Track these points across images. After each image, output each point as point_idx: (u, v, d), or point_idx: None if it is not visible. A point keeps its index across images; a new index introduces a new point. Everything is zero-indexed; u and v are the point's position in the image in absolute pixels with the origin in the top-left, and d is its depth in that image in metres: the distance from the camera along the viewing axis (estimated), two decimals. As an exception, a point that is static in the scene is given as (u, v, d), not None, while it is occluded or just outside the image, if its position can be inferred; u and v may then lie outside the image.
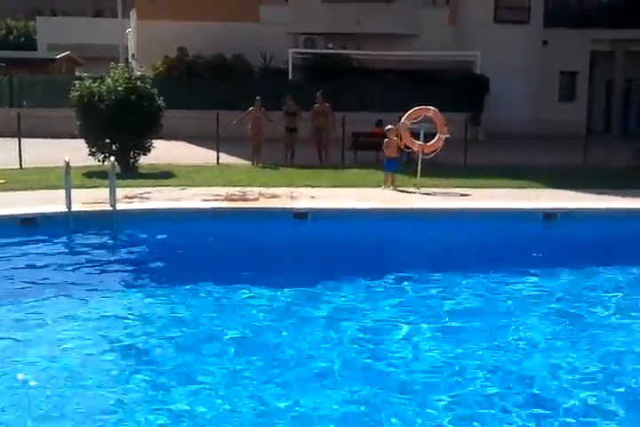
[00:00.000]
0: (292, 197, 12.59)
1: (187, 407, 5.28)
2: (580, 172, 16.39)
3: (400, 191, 13.61)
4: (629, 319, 7.37)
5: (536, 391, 5.65)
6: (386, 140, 14.41)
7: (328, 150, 18.01)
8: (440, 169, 15.23)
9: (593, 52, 27.62)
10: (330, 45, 26.65)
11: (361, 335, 6.71)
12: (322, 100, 18.16)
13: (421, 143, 14.29)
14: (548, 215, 11.39)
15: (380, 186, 14.01)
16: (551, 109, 27.13)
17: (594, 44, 27.29)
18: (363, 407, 5.33)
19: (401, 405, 5.39)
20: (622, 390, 5.69)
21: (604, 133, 26.71)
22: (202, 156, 18.38)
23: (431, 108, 14.45)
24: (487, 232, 10.73)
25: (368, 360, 6.18)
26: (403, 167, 14.53)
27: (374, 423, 5.16)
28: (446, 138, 14.38)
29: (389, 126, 14.64)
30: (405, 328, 6.91)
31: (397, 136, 14.29)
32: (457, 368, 6.01)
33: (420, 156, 14.19)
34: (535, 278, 8.65)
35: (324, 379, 5.78)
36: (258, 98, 17.55)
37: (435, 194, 13.31)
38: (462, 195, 13.21)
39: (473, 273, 8.74)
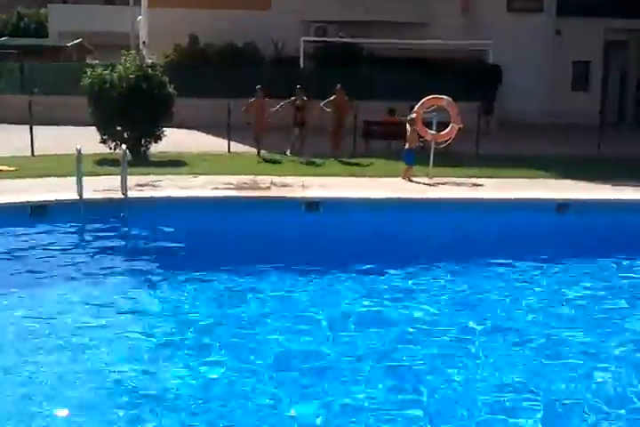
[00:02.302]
0: (303, 187, 12.54)
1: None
2: (593, 162, 16.24)
3: (413, 181, 13.51)
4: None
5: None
6: (408, 128, 14.05)
7: (340, 144, 17.35)
8: (453, 159, 15.13)
9: (607, 41, 27.34)
10: (341, 34, 26.46)
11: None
12: (341, 93, 17.20)
13: (434, 133, 14.18)
14: (561, 206, 11.30)
15: (400, 176, 13.78)
16: (564, 99, 26.88)
17: (607, 33, 27.01)
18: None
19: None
20: None
21: (617, 123, 26.48)
22: (213, 144, 18.31)
23: (445, 97, 14.33)
24: (501, 222, 10.65)
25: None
26: (416, 157, 14.40)
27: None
28: (459, 128, 14.27)
29: (412, 115, 14.19)
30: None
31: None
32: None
33: (433, 145, 14.10)
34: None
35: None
36: (258, 87, 16.80)
37: (447, 184, 13.23)
38: (475, 185, 13.14)
39: (483, 263, 8.69)
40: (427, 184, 13.30)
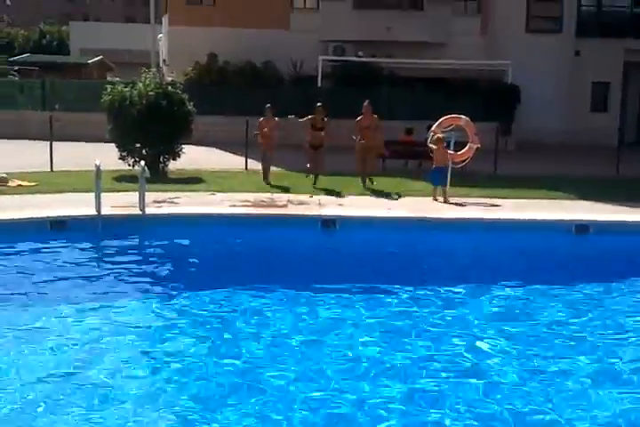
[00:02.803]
0: (320, 204, 12.55)
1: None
2: (612, 183, 16.15)
3: (437, 201, 13.43)
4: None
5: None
6: (434, 147, 13.97)
7: (371, 168, 15.16)
8: (470, 178, 15.09)
9: (626, 62, 27.28)
10: (360, 53, 26.60)
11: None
12: (369, 111, 14.85)
13: (452, 152, 14.16)
14: (581, 227, 11.22)
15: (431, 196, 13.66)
16: (583, 120, 26.80)
17: (627, 54, 26.96)
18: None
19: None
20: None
21: (636, 145, 26.34)
22: (231, 162, 18.39)
23: (462, 116, 14.33)
24: (518, 243, 10.59)
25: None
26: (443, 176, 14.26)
27: None
28: (477, 147, 14.24)
29: (439, 135, 14.07)
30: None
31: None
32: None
33: (450, 165, 14.07)
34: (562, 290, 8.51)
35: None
36: (268, 106, 15.50)
37: (465, 204, 13.19)
38: (493, 205, 13.08)
39: (500, 284, 8.63)
40: (444, 204, 13.28)
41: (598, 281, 8.90)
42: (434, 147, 13.90)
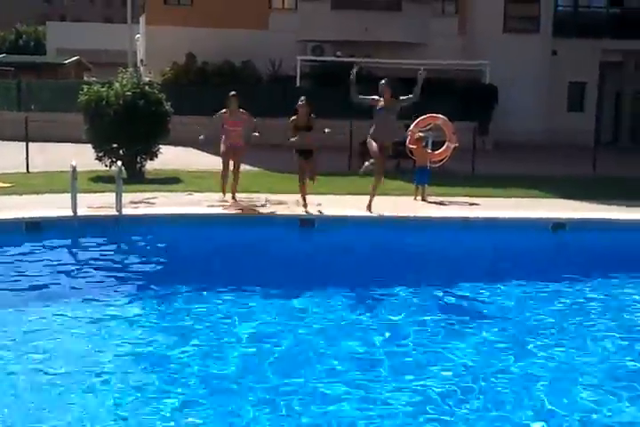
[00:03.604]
0: (298, 204, 12.52)
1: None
2: (589, 182, 16.28)
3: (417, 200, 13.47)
4: None
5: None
6: (413, 147, 14.00)
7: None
8: (448, 178, 15.14)
9: (602, 62, 27.54)
10: (338, 53, 26.64)
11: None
12: (387, 94, 11.56)
13: (430, 151, 14.20)
14: (557, 225, 11.29)
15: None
16: (560, 119, 27.05)
17: (603, 54, 27.22)
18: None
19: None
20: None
21: (612, 143, 26.61)
22: (209, 162, 18.26)
23: (440, 116, 14.38)
24: (496, 241, 10.63)
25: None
26: (410, 176, 14.41)
27: None
28: (454, 147, 14.30)
29: (420, 134, 14.09)
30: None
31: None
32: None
33: (429, 164, 14.10)
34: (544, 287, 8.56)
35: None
36: (232, 94, 12.50)
37: (443, 203, 13.23)
38: (471, 204, 13.14)
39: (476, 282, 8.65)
40: (421, 202, 13.32)
41: (574, 277, 8.95)
42: (413, 147, 13.93)
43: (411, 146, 13.99)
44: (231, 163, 12.64)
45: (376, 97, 11.50)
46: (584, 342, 6.91)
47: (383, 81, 11.62)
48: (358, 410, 5.35)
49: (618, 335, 7.03)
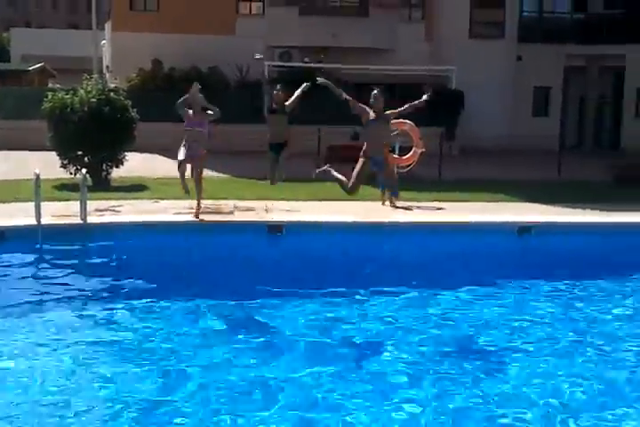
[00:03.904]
0: (267, 210, 12.48)
1: None
2: (554, 186, 16.46)
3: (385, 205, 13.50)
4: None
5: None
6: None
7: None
8: (415, 183, 15.20)
9: (567, 67, 27.89)
10: (306, 59, 26.65)
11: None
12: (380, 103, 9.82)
13: (397, 157, 14.25)
14: (523, 229, 11.38)
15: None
16: (525, 124, 27.32)
17: (568, 59, 27.57)
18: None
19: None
20: None
21: (576, 148, 26.93)
22: (176, 169, 18.17)
23: (407, 121, 14.44)
24: (462, 245, 10.68)
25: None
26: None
27: None
28: (421, 152, 14.38)
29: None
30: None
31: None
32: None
33: (396, 169, 14.14)
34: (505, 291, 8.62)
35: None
36: (194, 83, 11.40)
37: (411, 208, 13.27)
38: (438, 208, 13.21)
39: (446, 287, 8.68)
40: (389, 207, 13.35)
41: (540, 280, 9.04)
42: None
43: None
44: (189, 170, 11.28)
45: (366, 107, 9.67)
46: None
47: (376, 91, 9.79)
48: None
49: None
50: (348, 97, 9.64)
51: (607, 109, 28.91)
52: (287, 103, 10.65)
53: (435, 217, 12.31)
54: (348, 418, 5.34)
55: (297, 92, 10.79)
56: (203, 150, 11.27)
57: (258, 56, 10.90)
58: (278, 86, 11.53)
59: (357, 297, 8.29)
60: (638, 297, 8.65)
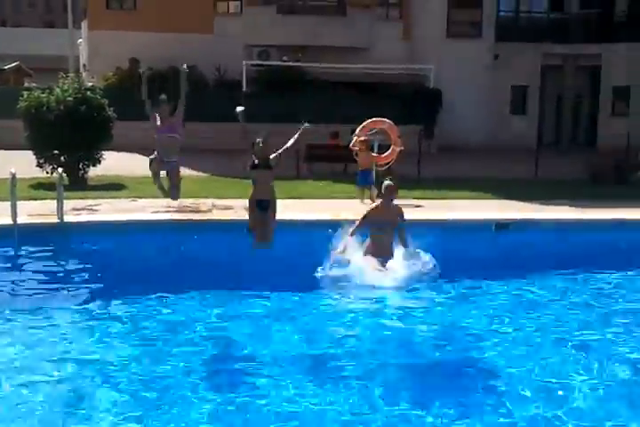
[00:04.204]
0: (245, 209, 12.43)
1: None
2: (531, 183, 16.57)
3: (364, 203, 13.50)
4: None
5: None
6: (355, 148, 14.09)
7: None
8: (393, 181, 15.20)
9: (544, 66, 28.08)
10: (284, 58, 26.63)
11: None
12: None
13: (375, 155, 14.28)
14: (500, 226, 11.45)
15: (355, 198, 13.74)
16: (503, 123, 27.51)
17: (544, 58, 27.77)
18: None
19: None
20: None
21: (554, 146, 27.13)
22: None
23: (386, 120, 14.50)
24: (440, 243, 10.70)
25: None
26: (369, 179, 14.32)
27: None
28: (400, 150, 14.41)
29: (362, 138, 14.15)
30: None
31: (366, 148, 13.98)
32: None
33: (374, 167, 14.17)
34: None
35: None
36: (162, 97, 9.99)
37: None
38: (416, 206, 13.23)
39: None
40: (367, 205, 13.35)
41: (520, 276, 9.10)
42: (358, 149, 14.01)
43: (355, 148, 14.06)
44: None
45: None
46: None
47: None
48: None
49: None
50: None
51: (584, 108, 29.15)
52: (272, 157, 8.64)
53: (413, 215, 12.32)
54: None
55: (289, 143, 8.92)
56: (175, 159, 9.69)
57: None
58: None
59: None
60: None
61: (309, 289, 8.43)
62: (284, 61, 26.29)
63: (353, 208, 12.95)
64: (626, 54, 26.91)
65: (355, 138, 14.33)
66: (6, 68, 36.11)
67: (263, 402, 5.49)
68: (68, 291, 8.33)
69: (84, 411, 5.34)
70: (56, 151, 14.96)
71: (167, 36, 25.72)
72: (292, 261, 9.55)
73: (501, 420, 5.36)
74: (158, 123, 9.68)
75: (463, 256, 9.80)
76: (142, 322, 7.24)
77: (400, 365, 6.38)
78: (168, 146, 9.52)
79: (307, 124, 9.09)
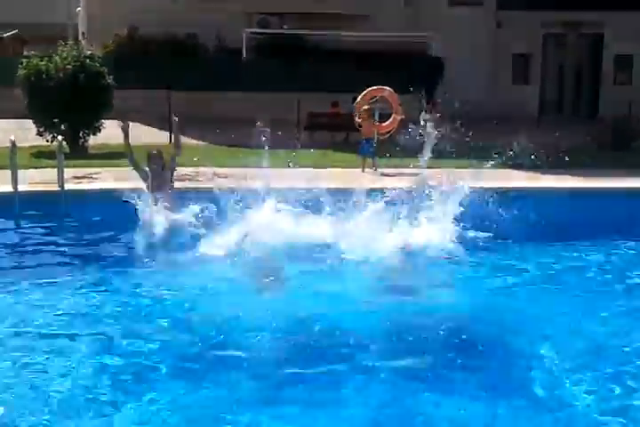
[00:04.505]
0: (246, 178, 12.41)
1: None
2: (532, 152, 16.46)
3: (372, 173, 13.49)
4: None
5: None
6: (359, 120, 14.07)
7: None
8: (395, 150, 15.18)
9: (546, 34, 27.82)
10: (285, 26, 26.38)
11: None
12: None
13: (377, 123, 14.23)
14: (503, 194, 11.42)
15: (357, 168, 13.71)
16: (505, 91, 27.30)
17: (546, 26, 27.49)
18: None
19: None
20: None
21: (555, 114, 26.99)
22: (153, 136, 18.02)
23: (386, 88, 14.42)
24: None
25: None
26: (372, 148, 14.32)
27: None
28: (401, 119, 14.36)
29: (365, 106, 14.11)
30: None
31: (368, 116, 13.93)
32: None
33: (376, 136, 14.13)
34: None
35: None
36: (154, 153, 9.36)
37: (390, 174, 13.28)
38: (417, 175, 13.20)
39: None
40: (369, 174, 13.37)
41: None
42: (361, 119, 13.98)
43: (358, 119, 14.03)
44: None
45: None
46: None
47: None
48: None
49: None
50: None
51: (586, 77, 28.93)
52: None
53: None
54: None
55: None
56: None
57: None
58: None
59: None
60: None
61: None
62: (284, 29, 26.05)
63: (358, 177, 12.97)
64: (629, 22, 26.64)
65: (356, 106, 14.28)
66: (4, 36, 35.77)
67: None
68: (68, 257, 8.34)
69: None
70: (56, 119, 14.90)
71: (166, 3, 25.43)
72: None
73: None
74: (149, 183, 9.16)
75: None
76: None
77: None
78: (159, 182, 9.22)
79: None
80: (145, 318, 6.52)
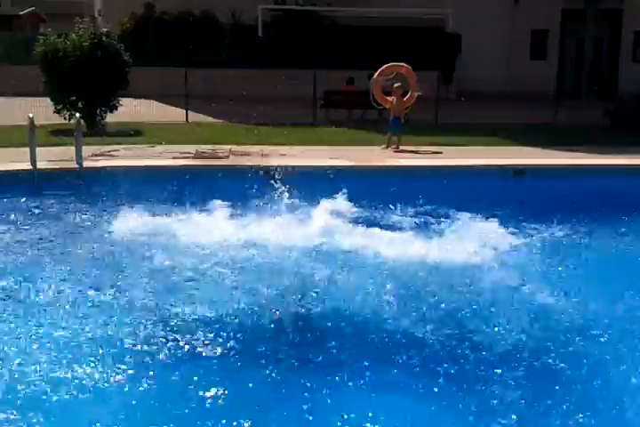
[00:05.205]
0: (262, 155, 12.46)
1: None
2: (550, 129, 16.42)
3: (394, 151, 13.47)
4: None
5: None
6: (391, 98, 14.01)
7: None
8: (412, 127, 15.15)
9: (564, 10, 27.47)
10: (300, 2, 26.21)
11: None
12: None
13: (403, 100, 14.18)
14: (518, 171, 11.43)
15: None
16: (523, 68, 27.01)
17: (565, 2, 27.13)
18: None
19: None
20: None
21: (574, 92, 26.72)
22: (170, 114, 18.09)
23: (404, 64, 14.33)
24: (459, 188, 10.70)
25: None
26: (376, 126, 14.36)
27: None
28: (418, 96, 14.29)
29: (398, 84, 14.05)
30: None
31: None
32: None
33: (392, 113, 14.09)
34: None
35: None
36: None
37: (407, 152, 13.27)
38: (434, 152, 13.21)
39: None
40: (386, 151, 13.36)
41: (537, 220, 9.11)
42: (391, 97, 13.89)
43: (389, 97, 13.99)
44: None
45: None
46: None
47: None
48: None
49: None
50: None
51: (604, 53, 28.57)
52: None
53: (432, 161, 12.32)
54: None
55: None
56: None
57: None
58: None
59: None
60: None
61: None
62: (300, 5, 25.88)
63: (376, 155, 12.96)
64: (650, -3, 26.25)
65: (374, 83, 14.22)
66: (21, 13, 35.81)
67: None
68: (87, 235, 8.42)
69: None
70: (73, 97, 14.95)
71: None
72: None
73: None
74: None
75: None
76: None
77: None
78: None
79: None
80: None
